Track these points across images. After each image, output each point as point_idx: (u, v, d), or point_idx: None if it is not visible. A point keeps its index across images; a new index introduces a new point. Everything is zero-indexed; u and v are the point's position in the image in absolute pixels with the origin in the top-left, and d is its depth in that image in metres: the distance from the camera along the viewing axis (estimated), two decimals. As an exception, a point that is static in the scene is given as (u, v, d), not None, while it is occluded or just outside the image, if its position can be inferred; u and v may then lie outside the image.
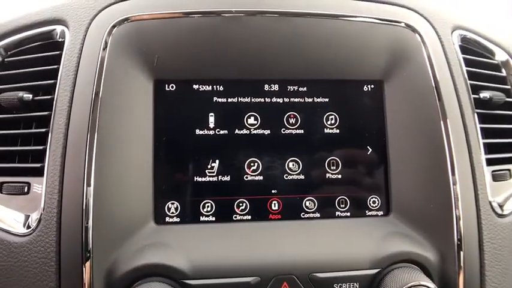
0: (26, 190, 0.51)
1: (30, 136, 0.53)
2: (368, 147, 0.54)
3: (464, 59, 0.59)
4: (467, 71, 0.58)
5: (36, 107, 0.53)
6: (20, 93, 0.53)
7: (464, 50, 0.60)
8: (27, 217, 0.49)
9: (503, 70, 0.64)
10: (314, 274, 0.47)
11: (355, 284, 0.47)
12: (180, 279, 0.45)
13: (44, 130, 0.51)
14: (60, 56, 0.53)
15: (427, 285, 0.45)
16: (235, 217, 0.51)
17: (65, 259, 0.46)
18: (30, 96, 0.53)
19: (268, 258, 0.47)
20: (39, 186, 0.50)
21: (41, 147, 0.50)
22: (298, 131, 0.53)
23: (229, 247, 0.48)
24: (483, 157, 0.55)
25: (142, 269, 0.45)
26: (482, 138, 0.55)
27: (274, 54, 0.52)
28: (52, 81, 0.52)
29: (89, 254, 0.45)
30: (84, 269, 0.45)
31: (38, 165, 0.50)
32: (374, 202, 0.54)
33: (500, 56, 0.64)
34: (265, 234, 0.50)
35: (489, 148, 0.57)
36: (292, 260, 0.47)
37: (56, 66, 0.53)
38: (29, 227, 0.49)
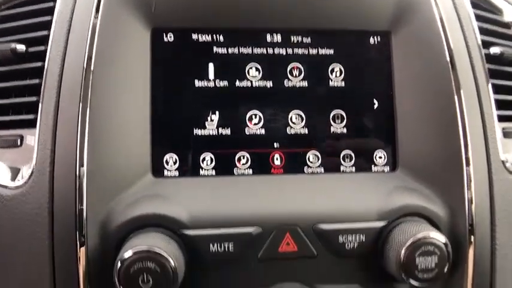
0: (18, 143, 0.49)
1: (24, 90, 0.51)
2: (374, 100, 0.52)
3: (474, 13, 0.56)
4: (478, 26, 0.56)
5: (30, 59, 0.51)
6: (13, 45, 0.51)
7: (473, 5, 0.58)
8: (19, 170, 0.47)
9: (512, 29, 0.62)
10: (318, 225, 0.45)
11: (361, 235, 0.45)
12: (178, 229, 0.43)
13: (37, 81, 0.49)
14: (53, 7, 0.51)
15: (437, 238, 0.43)
16: (236, 171, 0.49)
17: (57, 211, 0.44)
18: (24, 47, 0.51)
19: (270, 209, 0.45)
20: (31, 138, 0.48)
21: (34, 98, 0.49)
22: (301, 83, 0.51)
23: (229, 199, 0.46)
24: (494, 113, 0.53)
25: (138, 219, 0.43)
26: (493, 94, 0.54)
27: (277, 1, 0.50)
28: (46, 31, 0.51)
29: (82, 206, 0.43)
30: (77, 220, 0.43)
31: (31, 116, 0.48)
32: (380, 157, 0.52)
33: (508, 15, 0.62)
34: (267, 187, 0.48)
35: (499, 105, 0.55)
36: (295, 211, 0.45)
37: (49, 18, 0.51)
38: (21, 179, 0.47)
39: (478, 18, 0.57)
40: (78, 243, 0.43)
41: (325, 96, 0.51)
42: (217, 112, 0.49)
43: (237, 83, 0.50)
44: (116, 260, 0.40)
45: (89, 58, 0.47)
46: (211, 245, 0.43)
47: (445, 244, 0.43)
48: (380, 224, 0.45)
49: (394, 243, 0.44)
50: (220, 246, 0.43)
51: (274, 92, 0.50)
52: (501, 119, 0.54)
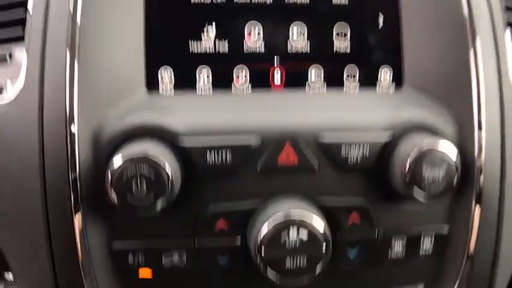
0: (7, 58, 0.47)
1: (12, 7, 0.49)
2: (379, 15, 0.49)
3: None
4: None
5: None
6: (0, -41, 0.49)
7: None
8: (8, 85, 0.46)
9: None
10: (320, 136, 0.43)
11: (364, 148, 0.43)
12: (174, 136, 0.41)
13: None
14: None
15: (445, 148, 0.41)
16: (235, 86, 0.47)
17: (48, 122, 0.42)
18: None
19: (269, 120, 0.43)
20: (20, 53, 0.46)
21: (21, 10, 0.47)
22: None
23: (227, 110, 0.44)
24: (508, 34, 0.50)
25: (131, 129, 0.42)
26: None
27: None
28: None
29: (73, 117, 0.41)
30: (68, 132, 0.41)
31: (19, 29, 0.46)
32: (386, 73, 0.49)
33: None
34: (267, 101, 0.46)
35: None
36: (295, 122, 0.43)
37: None
38: (10, 94, 0.45)
39: None
40: (69, 155, 0.41)
41: (328, 10, 0.48)
42: (213, 24, 0.47)
43: None
44: (107, 168, 0.38)
45: None
46: (208, 155, 0.41)
47: (454, 156, 0.41)
48: (384, 134, 0.43)
49: (399, 155, 0.42)
50: (218, 156, 0.41)
51: (274, 5, 0.48)
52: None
